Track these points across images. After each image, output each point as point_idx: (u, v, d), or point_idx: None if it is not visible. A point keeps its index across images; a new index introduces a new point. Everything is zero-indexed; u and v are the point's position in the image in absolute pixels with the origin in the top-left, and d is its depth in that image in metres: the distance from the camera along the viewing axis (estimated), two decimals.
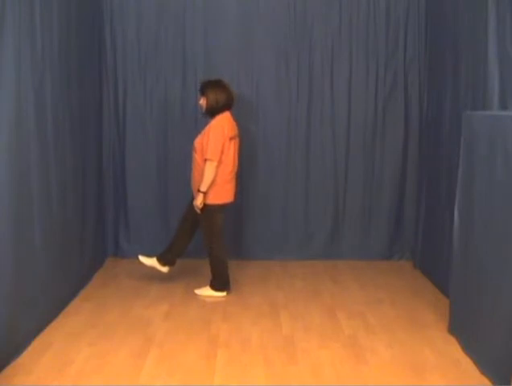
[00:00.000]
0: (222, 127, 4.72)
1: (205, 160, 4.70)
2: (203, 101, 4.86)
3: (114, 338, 4.10)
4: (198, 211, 4.79)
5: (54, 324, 4.29)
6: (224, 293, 4.97)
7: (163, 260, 5.05)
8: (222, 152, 4.70)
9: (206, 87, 4.84)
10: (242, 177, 5.94)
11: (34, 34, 3.98)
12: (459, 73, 4.73)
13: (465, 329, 3.96)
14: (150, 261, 5.07)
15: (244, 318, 4.50)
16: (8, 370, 3.56)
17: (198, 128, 5.88)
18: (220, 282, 4.96)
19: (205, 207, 4.76)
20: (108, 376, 3.56)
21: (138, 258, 5.14)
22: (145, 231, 6.00)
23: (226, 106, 4.80)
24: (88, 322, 4.38)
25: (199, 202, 4.72)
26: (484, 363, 3.61)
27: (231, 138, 4.75)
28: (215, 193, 4.76)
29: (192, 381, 3.54)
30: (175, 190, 5.93)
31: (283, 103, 5.87)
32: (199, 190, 4.71)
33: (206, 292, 4.98)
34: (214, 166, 4.68)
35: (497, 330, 3.44)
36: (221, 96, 4.78)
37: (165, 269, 5.08)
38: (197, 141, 4.84)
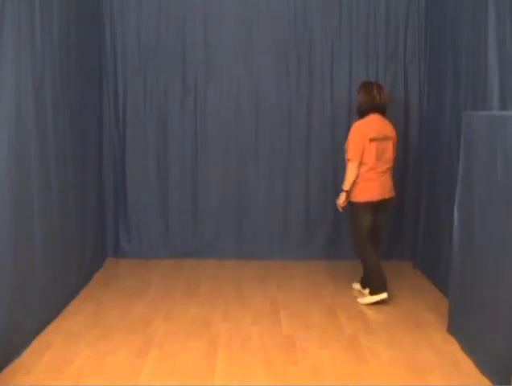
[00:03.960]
0: (361, 129, 4.72)
1: (348, 160, 4.77)
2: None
3: (114, 338, 4.09)
4: (340, 209, 4.88)
5: (54, 324, 4.29)
6: (381, 296, 4.74)
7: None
8: (363, 152, 4.71)
9: (359, 88, 4.90)
10: (242, 177, 5.96)
11: (34, 34, 3.98)
12: (459, 73, 4.73)
13: (465, 329, 3.96)
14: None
15: (244, 318, 4.50)
16: (8, 370, 3.56)
17: (198, 127, 5.91)
18: (373, 286, 4.81)
19: (352, 205, 4.81)
20: (108, 376, 3.56)
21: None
22: (145, 231, 6.01)
23: (371, 109, 4.77)
24: (88, 322, 4.38)
25: (341, 200, 4.80)
26: (484, 363, 3.61)
27: (372, 140, 4.69)
28: (357, 191, 4.78)
29: (192, 381, 3.54)
30: (175, 190, 5.95)
31: (283, 103, 5.87)
32: (342, 189, 4.81)
33: (365, 300, 4.82)
34: (355, 165, 4.72)
35: (497, 330, 3.44)
36: (364, 99, 4.79)
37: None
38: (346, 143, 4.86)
